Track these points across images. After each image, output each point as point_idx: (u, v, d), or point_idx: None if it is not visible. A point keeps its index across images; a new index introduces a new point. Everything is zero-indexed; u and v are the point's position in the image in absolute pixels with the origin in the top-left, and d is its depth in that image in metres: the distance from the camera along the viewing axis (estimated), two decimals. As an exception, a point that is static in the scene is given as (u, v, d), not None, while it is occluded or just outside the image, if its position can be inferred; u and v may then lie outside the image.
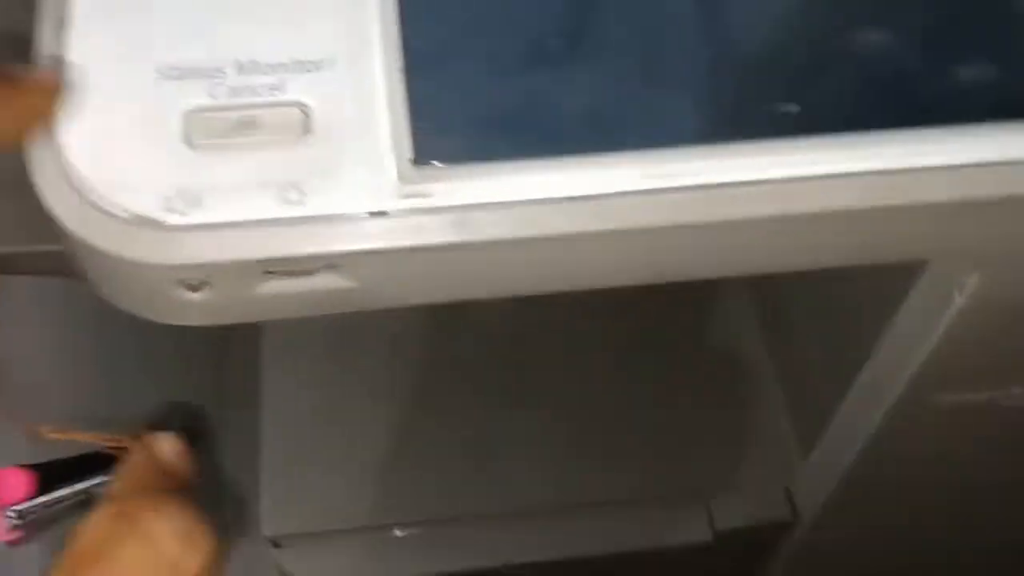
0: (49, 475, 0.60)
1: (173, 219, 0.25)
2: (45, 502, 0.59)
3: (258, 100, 0.26)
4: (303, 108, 0.26)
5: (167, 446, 0.44)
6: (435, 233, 0.26)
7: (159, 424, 0.61)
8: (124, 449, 0.61)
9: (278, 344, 0.51)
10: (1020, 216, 0.28)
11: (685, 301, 0.52)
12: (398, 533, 0.46)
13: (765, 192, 0.27)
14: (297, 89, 0.26)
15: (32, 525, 0.60)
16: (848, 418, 0.41)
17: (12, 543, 0.59)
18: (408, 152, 0.25)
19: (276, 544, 0.46)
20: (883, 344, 0.37)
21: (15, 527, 0.59)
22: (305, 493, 0.46)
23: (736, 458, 0.48)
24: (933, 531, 0.49)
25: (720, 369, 0.50)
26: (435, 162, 0.26)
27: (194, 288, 0.26)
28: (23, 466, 0.59)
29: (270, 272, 0.26)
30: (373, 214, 0.26)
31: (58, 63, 0.26)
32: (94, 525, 0.37)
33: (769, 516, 0.47)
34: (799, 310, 0.47)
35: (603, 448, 0.48)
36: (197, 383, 0.65)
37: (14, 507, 0.59)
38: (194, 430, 0.62)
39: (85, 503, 0.59)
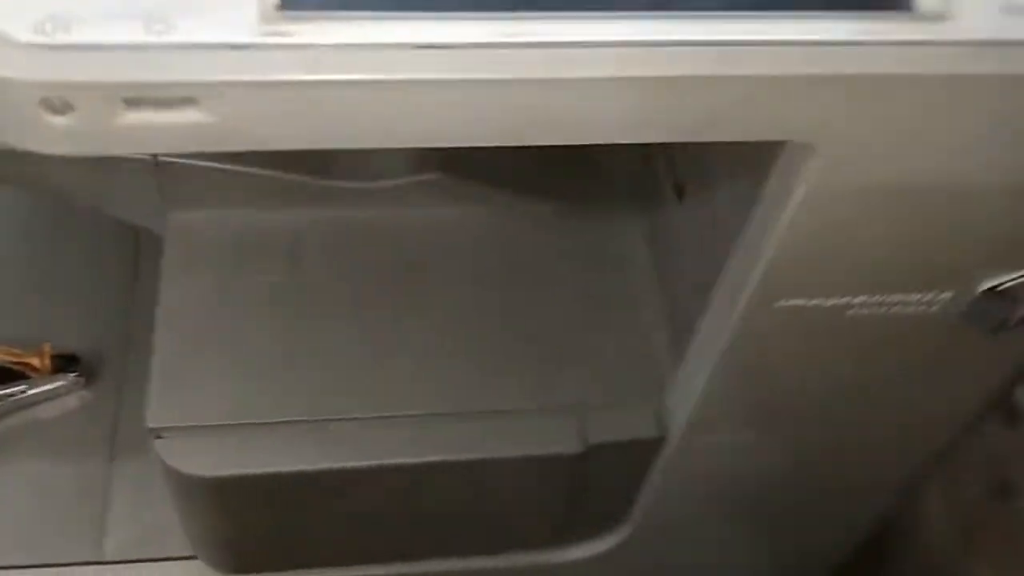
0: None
1: (39, 39, 0.26)
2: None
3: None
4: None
5: None
6: (289, 69, 0.27)
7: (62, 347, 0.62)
8: (28, 365, 0.63)
9: (178, 256, 0.52)
10: (854, 97, 0.30)
11: (574, 215, 0.54)
12: (280, 430, 0.47)
13: (608, 55, 0.29)
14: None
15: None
16: (708, 329, 0.44)
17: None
18: (274, -1, 0.27)
19: (158, 436, 0.46)
20: (738, 248, 0.39)
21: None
22: (192, 387, 0.47)
23: (611, 373, 0.50)
24: (794, 440, 0.51)
25: (604, 286, 0.52)
26: (298, 8, 0.28)
27: (57, 111, 0.28)
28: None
29: (131, 102, 0.28)
30: (232, 46, 0.27)
31: None
32: None
33: (639, 433, 0.49)
34: (680, 224, 0.49)
35: (485, 358, 0.50)
36: (107, 308, 0.66)
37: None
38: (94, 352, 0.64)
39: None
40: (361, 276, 0.52)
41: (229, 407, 0.47)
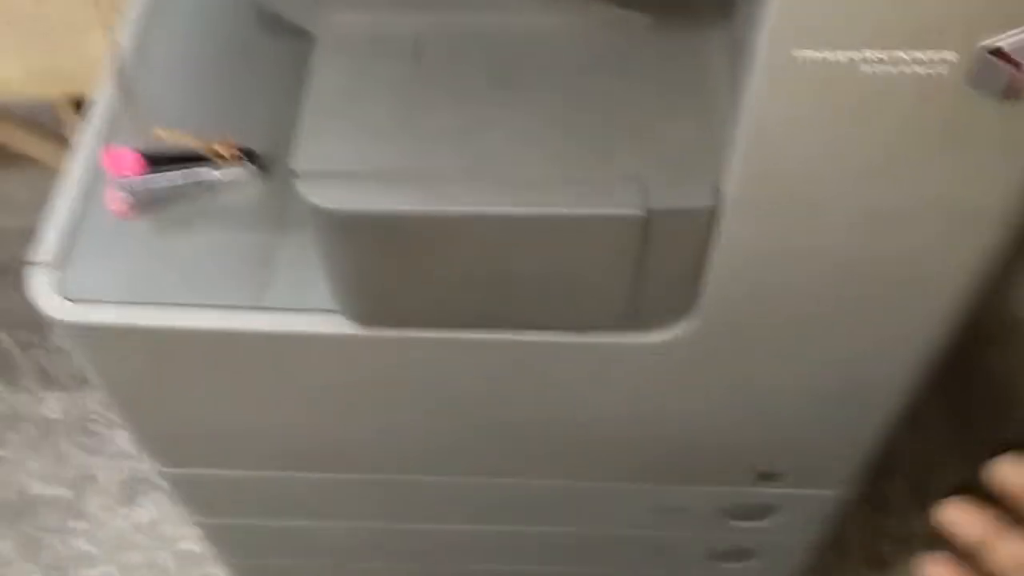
0: (157, 162, 0.76)
1: None
2: (152, 179, 0.75)
3: None
4: None
5: None
6: None
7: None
8: (220, 155, 0.77)
9: (325, 49, 0.64)
10: None
11: (667, 27, 0.62)
12: (399, 176, 0.58)
13: None
14: None
15: (139, 202, 0.76)
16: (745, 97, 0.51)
17: (121, 214, 0.75)
18: None
19: (299, 177, 0.59)
20: None
21: (125, 200, 0.75)
22: (332, 142, 0.59)
23: (676, 151, 0.58)
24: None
25: (683, 83, 0.60)
26: None
27: None
28: (137, 151, 0.75)
29: None
30: None
31: None
32: None
33: (696, 202, 0.57)
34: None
35: (570, 135, 0.59)
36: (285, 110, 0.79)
37: (126, 180, 0.75)
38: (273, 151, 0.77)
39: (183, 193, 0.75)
40: (472, 69, 0.62)
41: (360, 158, 0.59)
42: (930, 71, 0.47)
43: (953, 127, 0.50)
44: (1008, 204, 0.55)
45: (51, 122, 1.40)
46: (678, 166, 0.58)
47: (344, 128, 0.60)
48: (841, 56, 0.46)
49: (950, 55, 0.46)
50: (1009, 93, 0.47)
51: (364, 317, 0.69)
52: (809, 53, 0.47)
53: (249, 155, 0.76)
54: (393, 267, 0.63)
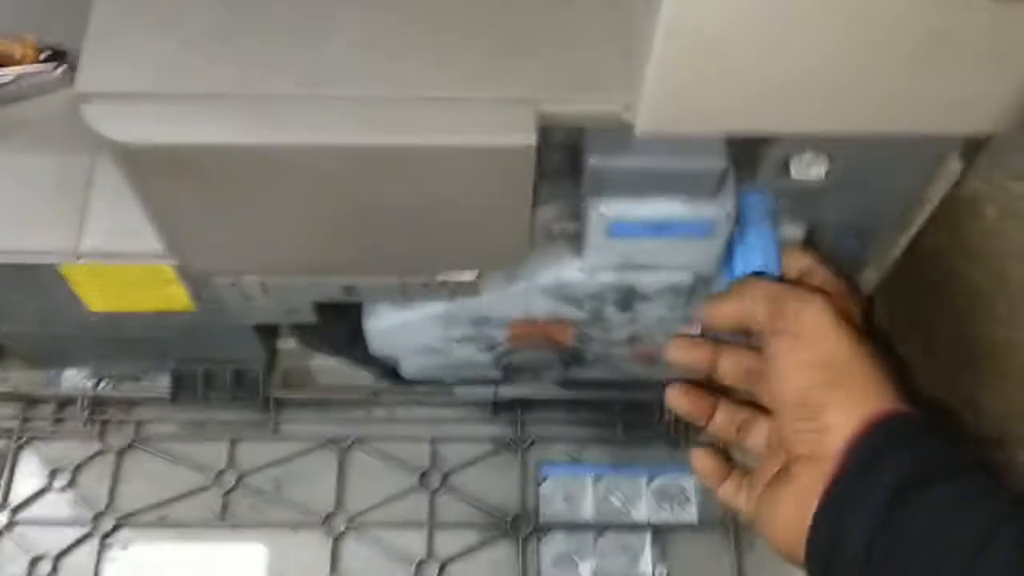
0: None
1: None
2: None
3: None
4: None
5: None
6: None
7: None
8: (9, 55, 0.61)
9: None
10: None
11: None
12: (214, 102, 0.44)
13: None
14: None
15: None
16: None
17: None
18: None
19: (87, 101, 0.44)
20: None
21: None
22: (125, 55, 0.45)
23: (578, 61, 0.45)
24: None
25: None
26: None
27: None
28: None
29: None
30: None
31: None
32: None
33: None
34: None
35: (437, 41, 0.46)
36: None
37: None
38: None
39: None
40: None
41: (162, 76, 0.45)
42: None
43: (938, 35, 0.38)
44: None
45: None
46: (576, 83, 0.45)
47: (144, 31, 0.46)
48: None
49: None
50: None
51: (195, 263, 0.56)
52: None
53: (55, 55, 0.61)
54: (218, 209, 0.50)
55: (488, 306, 0.61)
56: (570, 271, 0.58)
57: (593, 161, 0.51)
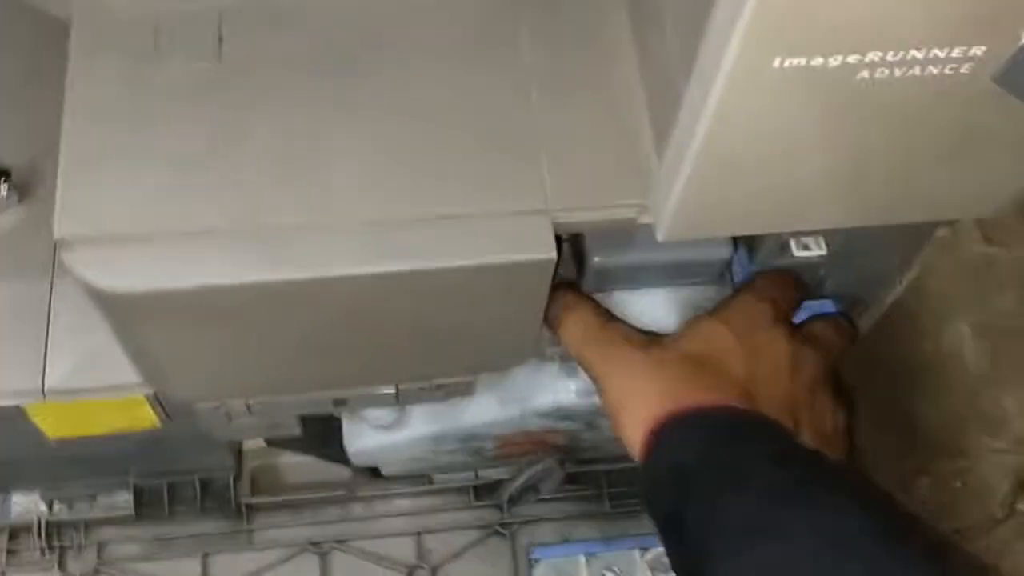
0: None
1: None
2: None
3: None
4: None
5: None
6: None
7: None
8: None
9: (87, 41, 0.45)
10: None
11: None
12: (207, 239, 0.41)
13: None
14: None
15: None
16: (692, 98, 0.37)
17: None
18: None
19: (68, 248, 0.41)
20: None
21: None
22: (105, 192, 0.42)
23: (587, 167, 0.44)
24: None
25: (578, 65, 0.45)
26: None
27: None
28: None
29: None
30: None
31: None
32: None
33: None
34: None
35: (440, 158, 0.43)
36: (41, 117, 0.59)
37: None
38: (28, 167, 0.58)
39: None
40: (295, 63, 0.45)
41: (148, 214, 0.41)
42: (949, 72, 0.34)
43: (963, 134, 0.38)
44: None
45: None
46: (591, 187, 0.44)
47: (125, 164, 0.42)
48: (832, 62, 0.33)
49: (978, 50, 0.33)
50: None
51: (178, 394, 0.52)
52: (791, 61, 0.33)
53: (2, 173, 0.57)
54: (213, 346, 0.47)
55: (478, 428, 0.59)
56: (566, 394, 0.56)
57: (598, 259, 0.49)
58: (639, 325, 0.52)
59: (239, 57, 0.45)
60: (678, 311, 0.53)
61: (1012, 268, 0.78)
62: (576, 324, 0.50)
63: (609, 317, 0.51)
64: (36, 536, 0.76)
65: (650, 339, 0.51)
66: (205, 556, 0.78)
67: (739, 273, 0.54)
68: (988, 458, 0.71)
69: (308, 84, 0.44)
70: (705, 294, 0.53)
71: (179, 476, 0.77)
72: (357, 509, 0.80)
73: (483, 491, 0.80)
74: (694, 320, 0.51)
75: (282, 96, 0.44)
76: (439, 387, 0.56)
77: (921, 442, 0.75)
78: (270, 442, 0.76)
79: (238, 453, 0.79)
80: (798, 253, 0.52)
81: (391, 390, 0.56)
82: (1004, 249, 0.79)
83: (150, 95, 0.44)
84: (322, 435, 0.68)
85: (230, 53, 0.45)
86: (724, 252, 0.50)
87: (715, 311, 0.51)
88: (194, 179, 0.42)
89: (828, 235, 0.51)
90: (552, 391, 0.56)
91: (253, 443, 0.78)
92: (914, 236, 0.54)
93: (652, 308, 0.53)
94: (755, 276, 0.52)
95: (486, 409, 0.58)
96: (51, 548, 0.77)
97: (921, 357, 0.76)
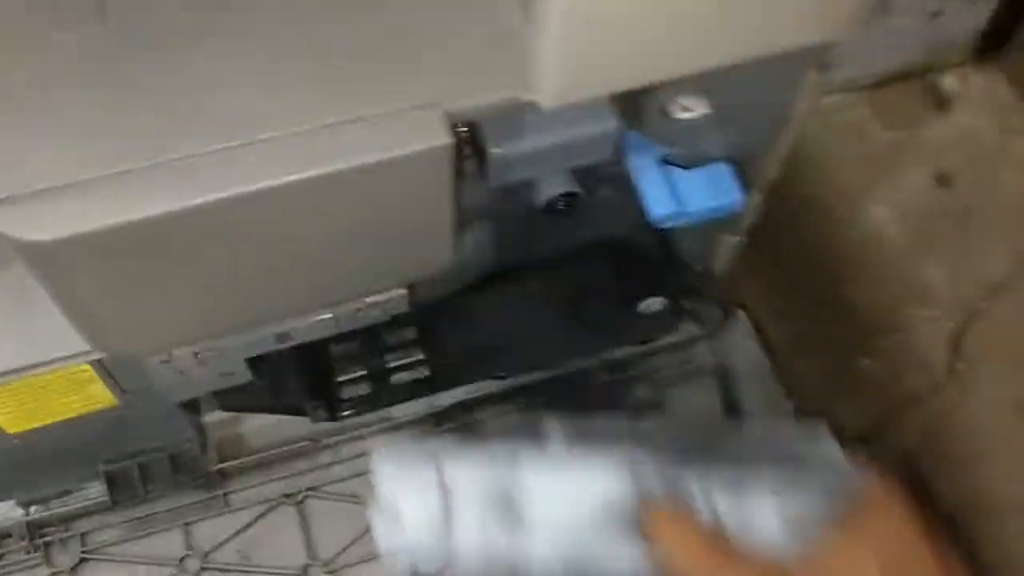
0: None
1: None
2: None
3: None
4: None
5: None
6: None
7: None
8: None
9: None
10: None
11: None
12: (120, 179, 0.44)
13: None
14: None
15: None
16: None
17: None
18: None
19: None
20: None
21: None
22: (12, 155, 0.44)
23: (470, 54, 0.47)
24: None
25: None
26: None
27: None
28: None
29: None
30: None
31: None
32: None
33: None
34: None
35: (328, 69, 0.46)
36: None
37: None
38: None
39: None
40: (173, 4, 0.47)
41: (59, 167, 0.44)
42: None
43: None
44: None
45: None
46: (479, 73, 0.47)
47: (25, 126, 0.45)
48: None
49: None
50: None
51: (125, 348, 0.55)
52: None
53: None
54: (144, 288, 0.49)
55: None
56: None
57: (496, 151, 0.52)
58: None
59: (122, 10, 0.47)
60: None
61: (917, 148, 0.84)
62: (678, 547, 0.48)
63: (714, 532, 0.48)
64: (18, 540, 0.78)
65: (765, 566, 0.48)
66: (186, 526, 0.80)
67: (636, 160, 0.58)
68: (923, 328, 0.76)
69: (188, 20, 0.47)
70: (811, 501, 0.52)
71: (147, 456, 0.79)
72: (324, 457, 0.83)
73: (443, 418, 0.83)
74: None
75: (166, 38, 0.47)
76: (373, 305, 0.59)
77: (860, 324, 0.79)
78: (227, 407, 0.78)
79: (200, 426, 0.81)
80: (680, 115, 0.55)
81: (328, 315, 0.58)
82: (907, 132, 0.85)
83: (46, 60, 0.46)
84: (273, 385, 0.70)
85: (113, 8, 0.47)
86: (611, 123, 0.53)
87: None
88: (98, 129, 0.44)
89: (707, 94, 0.55)
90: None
91: (215, 415, 0.80)
92: (788, 84, 0.58)
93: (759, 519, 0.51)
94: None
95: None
96: (35, 547, 0.79)
97: (845, 245, 0.81)
